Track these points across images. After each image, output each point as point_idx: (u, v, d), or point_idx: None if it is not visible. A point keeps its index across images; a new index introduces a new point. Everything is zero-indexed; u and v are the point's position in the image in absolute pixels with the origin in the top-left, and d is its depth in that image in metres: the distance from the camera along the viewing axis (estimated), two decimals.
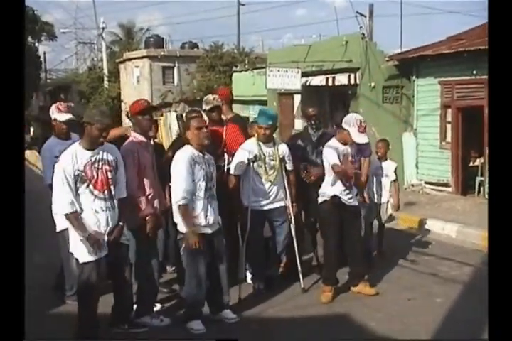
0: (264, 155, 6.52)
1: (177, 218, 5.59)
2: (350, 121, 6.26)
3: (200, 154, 5.60)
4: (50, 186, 5.43)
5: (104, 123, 4.98)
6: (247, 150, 6.53)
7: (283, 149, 6.67)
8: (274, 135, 6.75)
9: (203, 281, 5.59)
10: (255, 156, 6.47)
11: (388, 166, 8.11)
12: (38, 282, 6.58)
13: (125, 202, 5.31)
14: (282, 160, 6.62)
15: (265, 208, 6.58)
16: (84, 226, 4.94)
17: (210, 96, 7.07)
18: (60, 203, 4.98)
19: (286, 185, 6.71)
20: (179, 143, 6.44)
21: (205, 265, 5.58)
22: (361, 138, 6.24)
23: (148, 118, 5.82)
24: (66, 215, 4.94)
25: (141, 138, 5.74)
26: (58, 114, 6.28)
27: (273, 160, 6.56)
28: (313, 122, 7.18)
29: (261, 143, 6.55)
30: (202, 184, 5.53)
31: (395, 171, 8.26)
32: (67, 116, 6.27)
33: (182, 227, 5.56)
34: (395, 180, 8.20)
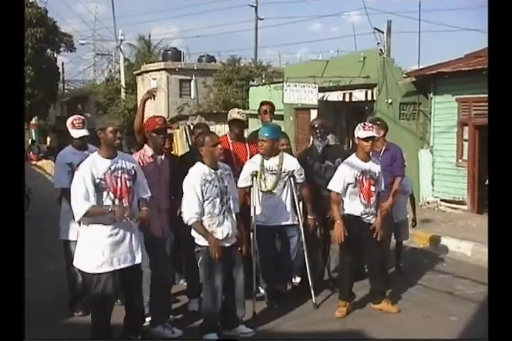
0: (266, 169, 6.49)
1: (194, 232, 5.61)
2: (356, 127, 6.37)
3: (212, 170, 5.57)
4: (62, 190, 6.06)
5: (116, 125, 5.12)
6: (251, 164, 6.55)
7: (290, 163, 6.59)
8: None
9: (218, 295, 5.58)
10: (256, 170, 6.46)
11: (404, 182, 8.05)
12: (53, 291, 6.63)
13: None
14: (290, 174, 6.55)
15: (272, 224, 6.53)
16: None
17: (235, 110, 7.18)
18: (79, 211, 4.91)
19: (296, 199, 6.69)
20: (190, 156, 6.50)
21: (222, 278, 5.57)
22: (365, 133, 6.23)
23: (163, 136, 5.88)
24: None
25: (150, 152, 5.79)
26: (72, 130, 6.31)
27: (274, 174, 6.51)
28: (319, 134, 7.16)
29: (264, 157, 6.54)
30: (216, 200, 5.53)
31: (411, 186, 8.24)
32: (82, 133, 6.30)
33: (199, 241, 5.58)
34: (411, 195, 8.21)
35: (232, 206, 5.69)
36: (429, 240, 10.34)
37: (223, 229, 5.55)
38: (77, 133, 6.29)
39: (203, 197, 5.46)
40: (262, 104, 7.63)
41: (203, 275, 5.66)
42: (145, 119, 6.08)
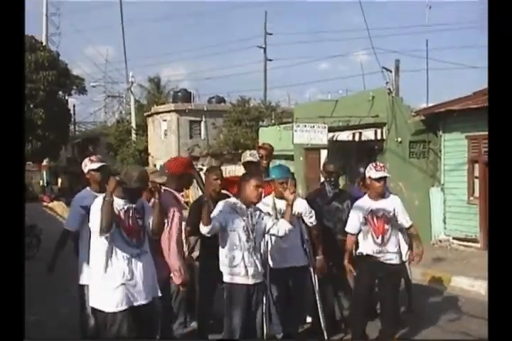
0: (278, 211, 6.41)
1: (223, 267, 5.61)
2: (368, 167, 6.42)
3: (244, 206, 5.62)
4: (63, 232, 6.23)
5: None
6: (262, 206, 6.39)
7: (300, 205, 6.49)
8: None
9: (236, 332, 5.52)
10: (268, 212, 6.29)
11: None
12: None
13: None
14: (299, 215, 6.46)
15: (284, 266, 6.44)
16: None
17: (247, 152, 7.24)
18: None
19: (306, 240, 6.61)
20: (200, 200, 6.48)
21: (241, 316, 5.53)
22: (378, 174, 6.25)
23: (189, 179, 5.87)
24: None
25: (176, 194, 5.74)
26: (91, 164, 6.33)
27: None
28: (332, 179, 7.10)
29: (276, 199, 6.47)
30: (242, 235, 5.54)
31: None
32: (100, 164, 6.35)
33: (226, 277, 5.58)
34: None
35: (258, 246, 5.69)
36: (442, 279, 10.23)
37: (246, 265, 5.53)
38: (95, 165, 6.30)
39: (224, 225, 5.50)
40: (260, 148, 7.63)
41: (225, 312, 5.64)
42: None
